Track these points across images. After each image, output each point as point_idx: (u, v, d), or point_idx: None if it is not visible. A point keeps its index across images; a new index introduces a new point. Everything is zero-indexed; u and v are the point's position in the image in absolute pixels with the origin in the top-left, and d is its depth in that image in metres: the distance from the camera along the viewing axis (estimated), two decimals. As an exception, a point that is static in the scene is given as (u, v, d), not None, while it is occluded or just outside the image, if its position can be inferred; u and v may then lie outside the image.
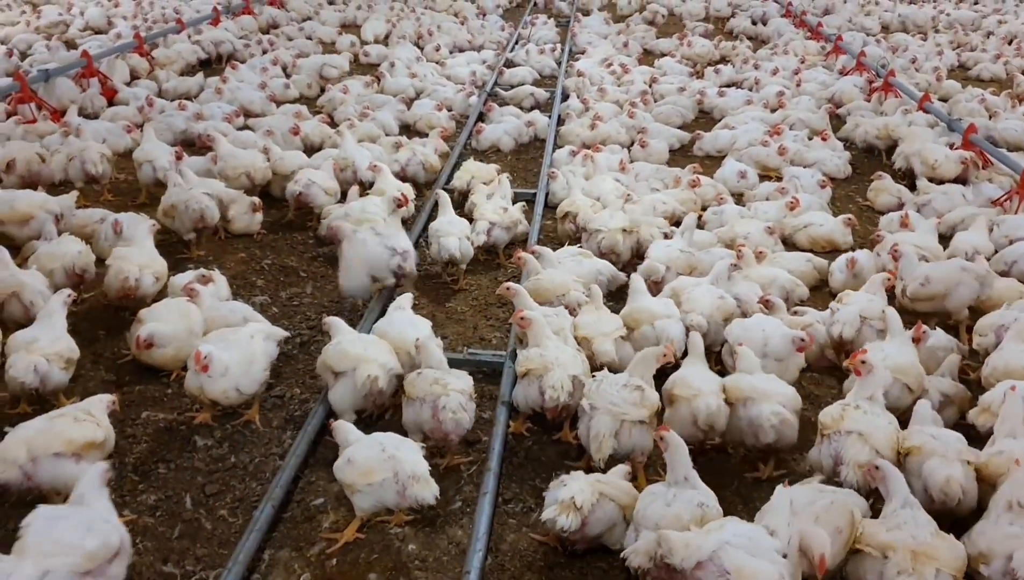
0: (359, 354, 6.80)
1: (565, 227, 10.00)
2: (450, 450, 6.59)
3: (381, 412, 7.06)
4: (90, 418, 5.93)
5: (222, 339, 7.02)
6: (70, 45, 18.82)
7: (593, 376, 6.45)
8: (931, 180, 11.65)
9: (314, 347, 8.21)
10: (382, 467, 5.65)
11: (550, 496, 5.62)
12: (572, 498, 5.38)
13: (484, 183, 10.91)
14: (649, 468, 6.45)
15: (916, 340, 7.19)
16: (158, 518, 6.02)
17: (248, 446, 6.82)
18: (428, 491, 5.66)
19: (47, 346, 6.84)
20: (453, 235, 9.27)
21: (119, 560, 4.85)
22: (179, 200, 9.60)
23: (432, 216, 10.05)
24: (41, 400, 6.92)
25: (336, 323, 7.20)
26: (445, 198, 9.84)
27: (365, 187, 10.85)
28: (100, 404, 6.11)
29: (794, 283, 8.58)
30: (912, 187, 11.83)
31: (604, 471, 5.90)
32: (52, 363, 6.77)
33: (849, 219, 9.96)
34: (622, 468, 5.82)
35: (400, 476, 5.60)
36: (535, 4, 27.79)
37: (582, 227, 9.59)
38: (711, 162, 13.05)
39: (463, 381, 6.49)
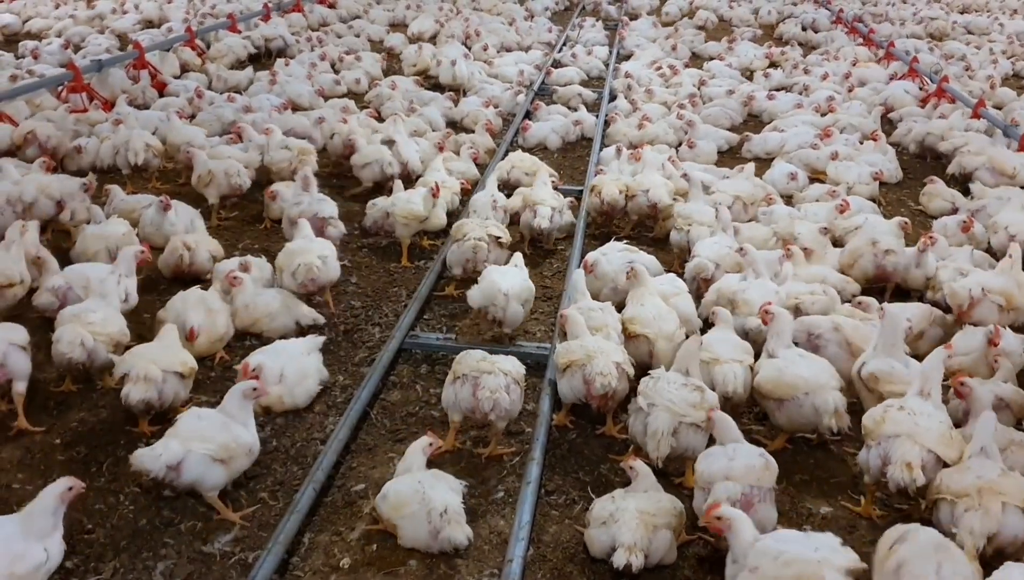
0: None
1: (592, 200, 10.40)
2: (493, 436, 6.49)
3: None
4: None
5: (275, 351, 7.08)
6: (123, 39, 19.06)
7: (648, 374, 6.32)
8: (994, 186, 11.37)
9: (357, 335, 8.18)
10: (413, 500, 5.53)
11: (597, 515, 5.52)
12: (634, 543, 5.25)
13: (526, 173, 10.81)
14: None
15: (992, 343, 7.03)
16: (198, 498, 5.98)
17: (291, 430, 6.79)
18: (461, 533, 5.51)
19: (99, 325, 6.88)
20: (547, 205, 9.60)
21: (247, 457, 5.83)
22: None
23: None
24: (87, 378, 6.95)
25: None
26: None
27: (413, 179, 10.83)
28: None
29: (844, 281, 8.42)
30: (965, 192, 11.56)
31: (662, 470, 5.83)
32: (99, 342, 6.79)
33: (905, 223, 9.73)
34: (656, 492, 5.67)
35: (432, 517, 5.47)
36: (583, 8, 27.70)
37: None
38: (760, 164, 12.81)
39: (512, 364, 6.38)
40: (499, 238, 8.80)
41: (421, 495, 5.53)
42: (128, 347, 6.92)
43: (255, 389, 5.95)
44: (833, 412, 6.27)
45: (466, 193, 11.09)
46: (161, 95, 14.83)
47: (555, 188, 10.48)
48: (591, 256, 8.35)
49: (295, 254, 8.14)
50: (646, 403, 6.00)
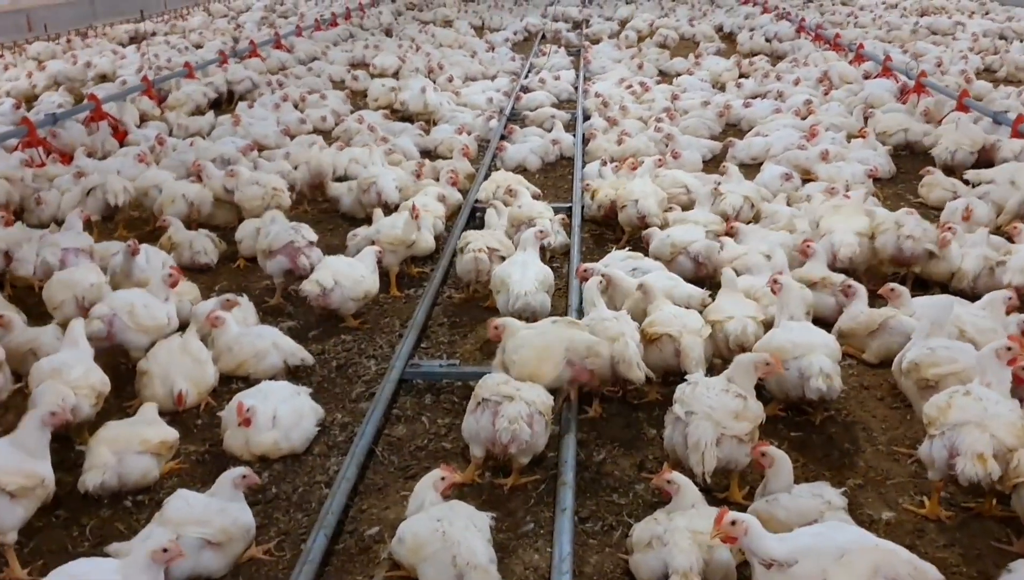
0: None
1: (588, 201, 10.54)
2: (515, 468, 5.92)
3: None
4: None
5: (263, 393, 6.51)
6: (78, 98, 18.45)
7: (685, 379, 5.80)
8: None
9: (352, 370, 7.59)
10: (433, 540, 4.90)
11: (640, 538, 4.98)
12: (690, 568, 4.69)
13: (511, 193, 10.34)
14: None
15: None
16: (196, 557, 5.35)
17: (290, 476, 6.17)
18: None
19: (78, 378, 6.29)
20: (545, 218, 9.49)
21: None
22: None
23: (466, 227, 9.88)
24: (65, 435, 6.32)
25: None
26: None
27: (391, 209, 10.30)
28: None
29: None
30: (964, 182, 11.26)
31: (708, 487, 5.37)
32: (81, 396, 6.20)
33: (910, 212, 9.34)
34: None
35: (458, 560, 4.81)
36: (543, 37, 27.51)
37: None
38: (746, 170, 12.45)
39: (538, 393, 5.84)
40: (498, 250, 8.45)
41: (441, 534, 4.93)
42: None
43: (245, 477, 5.34)
44: (819, 373, 6.05)
45: (450, 219, 10.61)
46: (122, 145, 14.22)
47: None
48: (595, 266, 7.84)
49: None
50: (684, 411, 5.46)
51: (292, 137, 14.53)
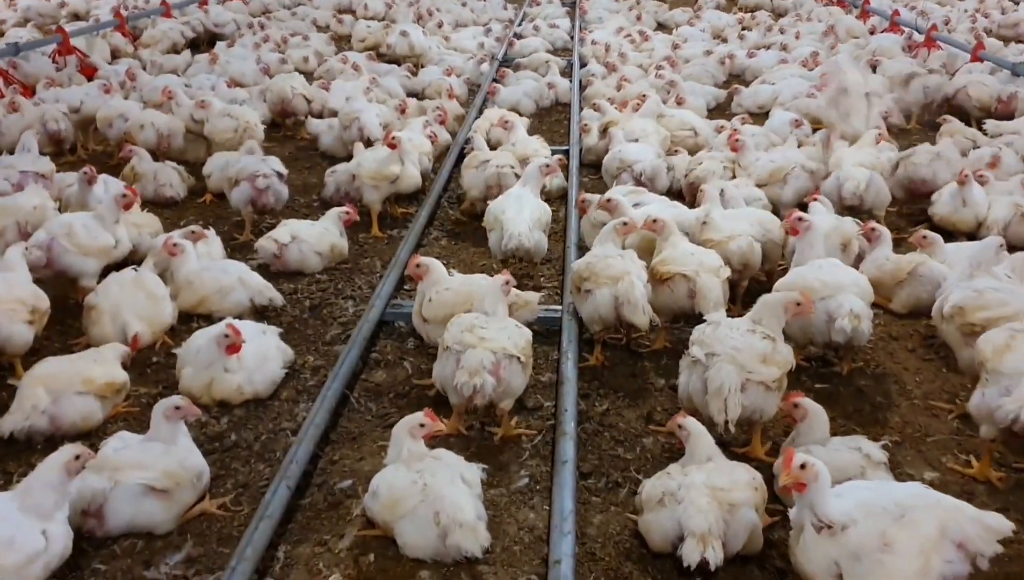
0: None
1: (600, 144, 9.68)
2: (501, 416, 5.22)
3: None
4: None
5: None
6: (47, 35, 17.47)
7: (704, 319, 5.11)
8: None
9: (326, 311, 6.87)
10: (412, 494, 4.27)
11: (651, 495, 4.31)
12: (708, 530, 4.04)
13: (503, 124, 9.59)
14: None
15: None
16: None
17: (252, 423, 5.46)
18: (473, 541, 4.20)
19: (2, 293, 5.59)
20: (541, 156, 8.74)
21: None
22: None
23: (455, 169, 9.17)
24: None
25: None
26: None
27: (369, 144, 9.52)
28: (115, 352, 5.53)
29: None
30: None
31: (724, 441, 4.71)
32: (14, 314, 5.54)
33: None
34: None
35: (442, 520, 4.20)
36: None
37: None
38: (753, 118, 11.73)
39: (508, 334, 5.08)
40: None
41: (421, 488, 4.25)
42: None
43: (178, 407, 4.59)
44: (848, 313, 5.39)
45: (437, 160, 9.85)
46: (90, 81, 13.32)
47: None
48: (595, 198, 7.10)
49: None
50: (704, 353, 4.77)
51: (271, 77, 13.67)
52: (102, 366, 5.43)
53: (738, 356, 4.67)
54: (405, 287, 7.23)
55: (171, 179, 8.92)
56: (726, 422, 4.59)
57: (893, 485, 3.85)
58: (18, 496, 3.99)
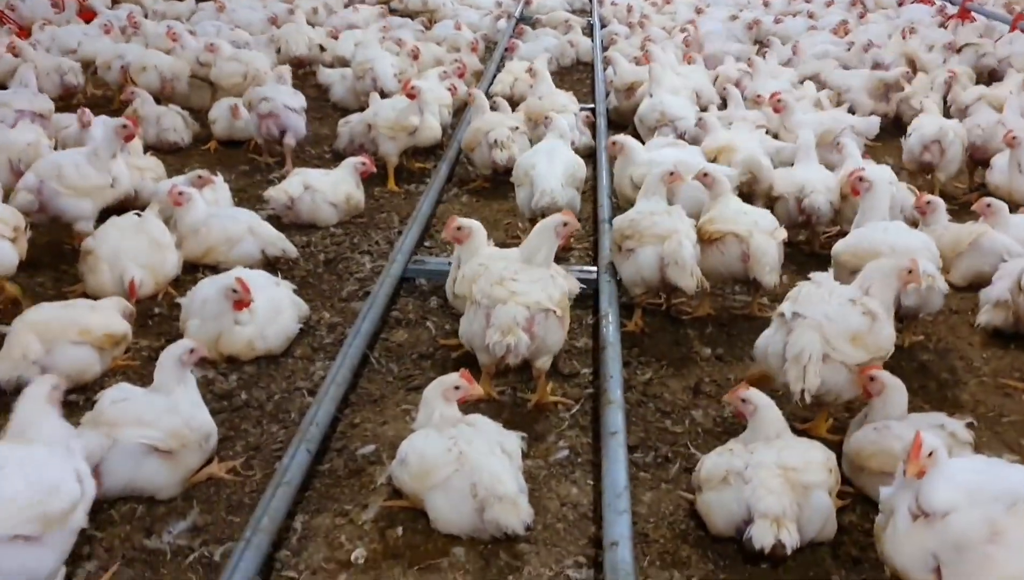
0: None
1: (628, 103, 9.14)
2: (539, 378, 4.76)
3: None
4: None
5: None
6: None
7: (808, 278, 4.64)
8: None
9: (342, 265, 6.40)
10: (446, 463, 3.82)
11: (712, 472, 3.86)
12: (783, 513, 3.61)
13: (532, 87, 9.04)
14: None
15: None
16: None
17: (264, 381, 5.01)
18: (514, 517, 3.73)
19: None
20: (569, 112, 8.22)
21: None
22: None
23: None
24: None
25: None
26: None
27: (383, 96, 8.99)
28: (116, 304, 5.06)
29: None
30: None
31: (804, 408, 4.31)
32: None
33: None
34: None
35: (479, 492, 3.74)
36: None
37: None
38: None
39: (544, 290, 4.57)
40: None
41: (457, 456, 3.79)
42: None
43: (192, 351, 4.17)
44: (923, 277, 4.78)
45: (457, 113, 9.34)
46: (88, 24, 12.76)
47: None
48: (627, 139, 6.61)
49: None
50: (791, 311, 4.31)
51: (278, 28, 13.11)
52: (101, 315, 4.96)
53: (826, 326, 4.20)
54: (425, 244, 6.76)
55: (175, 124, 8.42)
56: (803, 392, 4.12)
57: (1004, 467, 3.40)
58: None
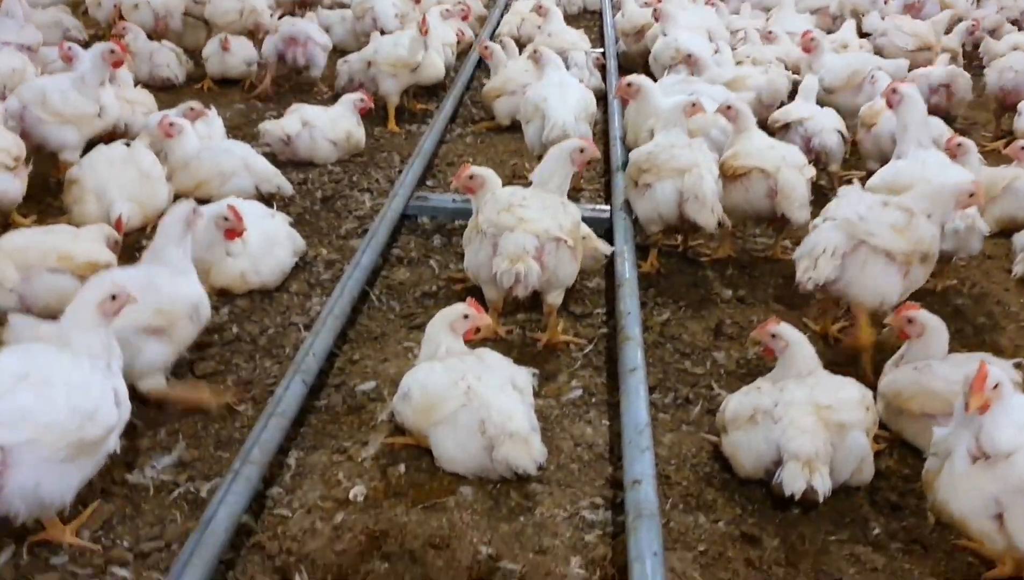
0: None
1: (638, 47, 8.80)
2: (549, 315, 4.46)
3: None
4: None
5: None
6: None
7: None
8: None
9: (340, 203, 6.08)
10: (453, 397, 3.53)
11: (738, 412, 3.58)
12: (815, 454, 3.31)
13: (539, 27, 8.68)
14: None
15: None
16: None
17: (257, 314, 4.71)
18: (526, 456, 3.44)
19: None
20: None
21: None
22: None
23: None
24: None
25: None
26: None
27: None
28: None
29: None
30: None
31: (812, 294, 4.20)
32: None
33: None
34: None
35: (488, 429, 3.45)
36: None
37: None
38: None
39: (554, 218, 4.25)
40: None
41: (464, 391, 3.50)
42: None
43: (195, 210, 4.00)
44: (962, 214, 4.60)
45: (461, 56, 8.97)
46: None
47: None
48: (640, 78, 6.24)
49: None
50: (823, 218, 4.16)
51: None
52: (83, 242, 4.63)
53: (858, 225, 3.95)
54: (427, 183, 6.43)
55: (168, 60, 8.05)
56: (809, 280, 3.96)
57: None
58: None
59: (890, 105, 5.28)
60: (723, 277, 5.26)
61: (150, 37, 8.40)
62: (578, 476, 3.60)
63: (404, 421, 3.65)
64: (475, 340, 3.95)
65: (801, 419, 3.42)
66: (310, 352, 3.90)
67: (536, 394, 3.91)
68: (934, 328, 3.87)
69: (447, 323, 3.77)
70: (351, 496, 3.44)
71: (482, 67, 8.54)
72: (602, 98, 7.97)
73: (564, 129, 5.86)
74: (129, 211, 5.17)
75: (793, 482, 3.29)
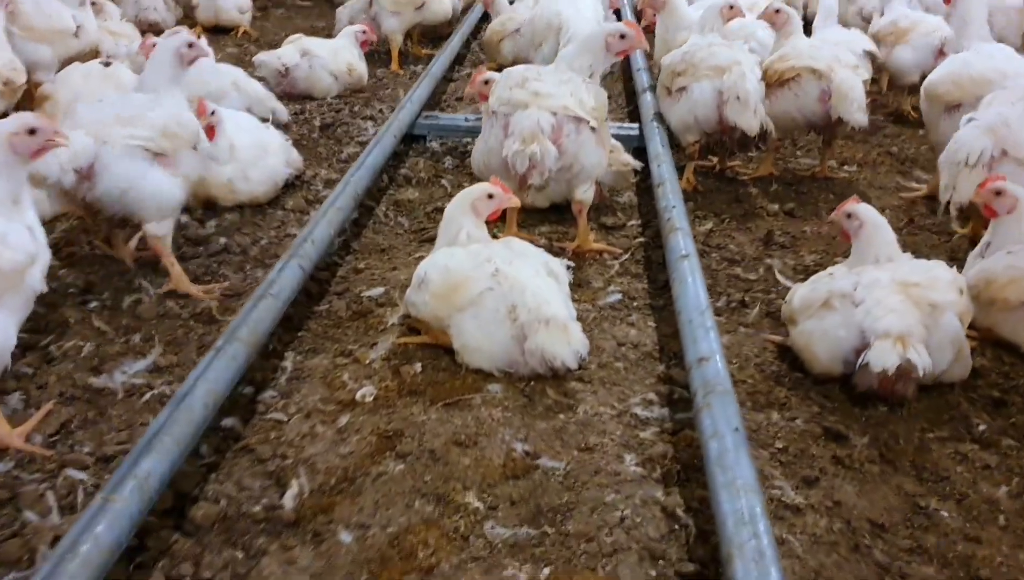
0: None
1: None
2: (580, 214, 3.91)
3: None
4: None
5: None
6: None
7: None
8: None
9: (341, 129, 5.56)
10: (479, 279, 2.99)
11: (809, 299, 3.05)
12: (908, 332, 2.79)
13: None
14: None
15: None
16: (92, 310, 3.37)
17: (248, 228, 4.17)
18: (563, 345, 2.90)
19: None
20: None
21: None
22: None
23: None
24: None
25: None
26: None
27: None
28: None
29: None
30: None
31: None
32: None
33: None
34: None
35: (520, 315, 2.91)
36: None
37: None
38: None
39: (573, 94, 3.68)
40: None
41: (492, 273, 2.96)
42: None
43: (192, 44, 3.56)
44: None
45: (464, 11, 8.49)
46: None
47: None
48: None
49: None
50: (967, 119, 3.74)
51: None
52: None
53: (1001, 130, 3.53)
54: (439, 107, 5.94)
55: (156, 3, 7.54)
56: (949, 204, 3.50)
57: None
58: None
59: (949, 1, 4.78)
60: (767, 193, 4.75)
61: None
62: (625, 374, 3.06)
63: (419, 312, 3.11)
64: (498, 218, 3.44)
65: (887, 298, 2.89)
66: (309, 239, 3.36)
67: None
68: (1027, 205, 3.34)
69: (469, 203, 3.25)
70: (358, 397, 2.90)
71: (487, 19, 8.03)
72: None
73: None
74: None
75: (884, 358, 2.76)
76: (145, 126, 3.33)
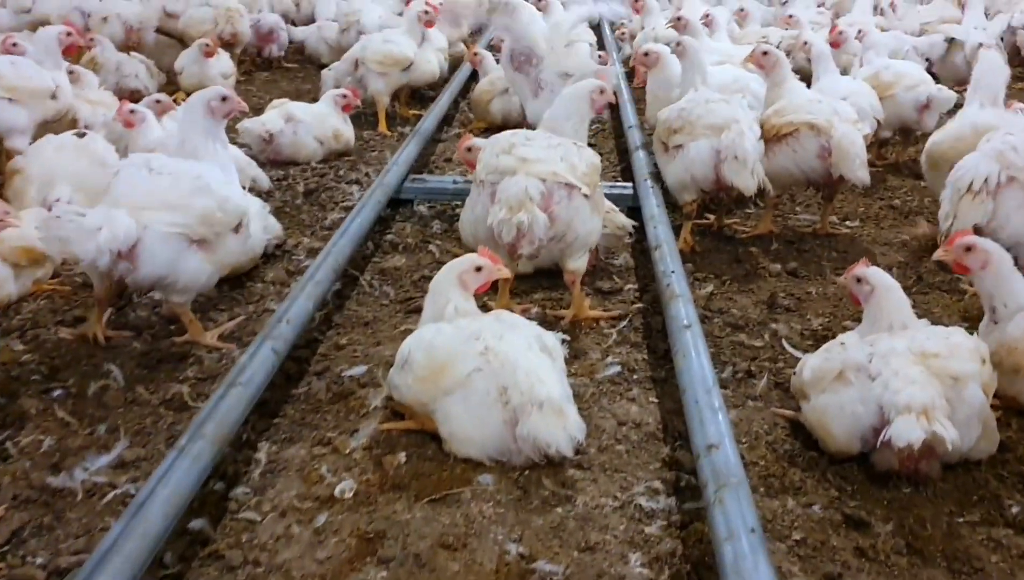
0: None
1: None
2: (573, 285, 3.71)
3: None
4: None
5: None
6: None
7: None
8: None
9: (325, 195, 5.38)
10: (466, 357, 2.79)
11: (821, 372, 2.85)
12: (932, 405, 2.58)
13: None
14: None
15: None
16: (55, 398, 3.16)
17: (225, 303, 3.96)
18: (559, 430, 2.66)
19: None
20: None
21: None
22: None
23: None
24: None
25: None
26: None
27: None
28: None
29: None
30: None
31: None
32: None
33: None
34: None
35: (512, 397, 2.70)
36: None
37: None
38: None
39: (563, 159, 3.49)
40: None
41: (481, 351, 2.75)
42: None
43: (225, 99, 3.52)
44: None
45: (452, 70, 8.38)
46: None
47: None
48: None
49: None
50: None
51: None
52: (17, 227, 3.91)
53: (1008, 153, 3.38)
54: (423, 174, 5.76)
55: (137, 70, 7.40)
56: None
57: None
58: None
59: None
60: (768, 252, 4.56)
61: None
62: (627, 459, 2.84)
63: (403, 396, 2.89)
64: (485, 291, 3.23)
65: (906, 369, 2.68)
66: (284, 318, 3.14)
67: (566, 373, 3.16)
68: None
69: (456, 275, 3.05)
70: (337, 493, 2.67)
71: (475, 78, 7.92)
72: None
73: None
74: (69, 197, 4.44)
75: (908, 432, 2.53)
76: (187, 213, 3.23)
